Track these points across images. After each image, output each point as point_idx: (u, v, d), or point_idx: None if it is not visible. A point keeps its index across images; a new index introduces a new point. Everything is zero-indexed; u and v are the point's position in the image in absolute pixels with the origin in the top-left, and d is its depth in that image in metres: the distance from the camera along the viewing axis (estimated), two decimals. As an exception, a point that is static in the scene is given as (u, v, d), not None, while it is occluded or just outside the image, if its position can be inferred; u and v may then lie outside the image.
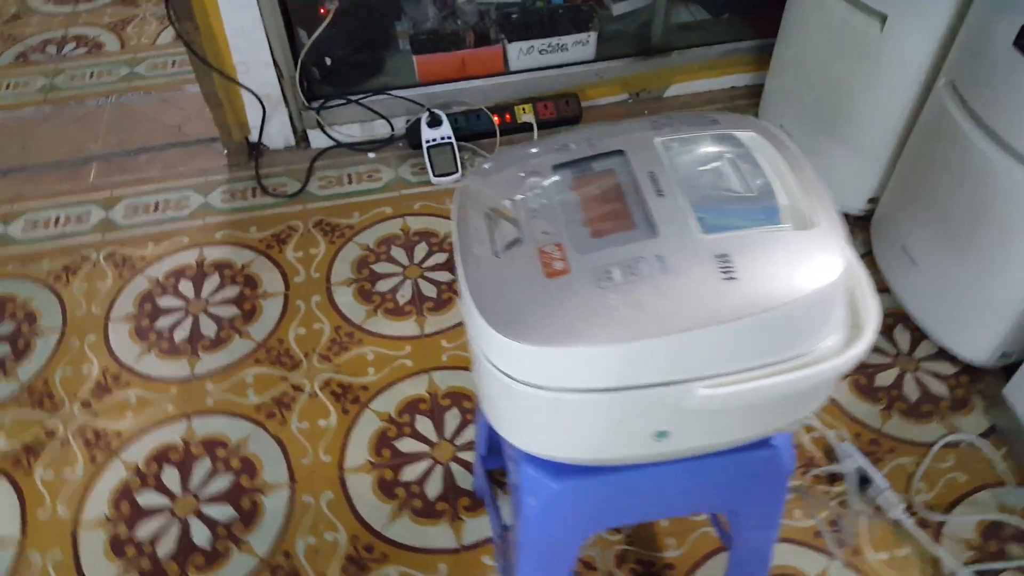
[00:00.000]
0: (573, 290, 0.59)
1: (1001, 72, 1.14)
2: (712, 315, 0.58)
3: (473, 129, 1.77)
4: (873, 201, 1.57)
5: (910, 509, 1.20)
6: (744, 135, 0.70)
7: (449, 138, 1.71)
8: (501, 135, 1.78)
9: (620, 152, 0.68)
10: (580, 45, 1.78)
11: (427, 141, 1.70)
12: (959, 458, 1.27)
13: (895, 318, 1.46)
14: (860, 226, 1.59)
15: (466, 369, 1.40)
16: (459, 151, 1.71)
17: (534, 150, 0.72)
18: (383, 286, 1.53)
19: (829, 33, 1.47)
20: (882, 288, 1.48)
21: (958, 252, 1.29)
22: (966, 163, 1.24)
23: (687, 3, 1.91)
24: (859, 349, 0.64)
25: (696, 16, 1.91)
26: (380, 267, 1.57)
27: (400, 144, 1.80)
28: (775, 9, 1.62)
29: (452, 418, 1.33)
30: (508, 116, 1.78)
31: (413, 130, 1.74)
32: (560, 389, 0.61)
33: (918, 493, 1.23)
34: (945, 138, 1.28)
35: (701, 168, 0.66)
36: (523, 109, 1.79)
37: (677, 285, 0.59)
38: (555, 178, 0.68)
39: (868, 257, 1.54)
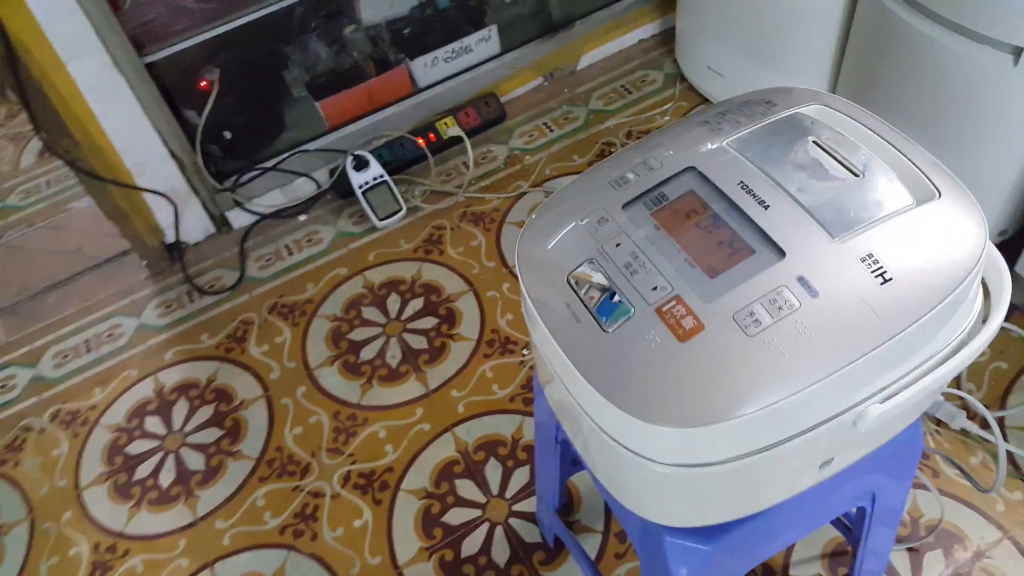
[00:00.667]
0: (719, 348, 0.50)
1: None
2: (886, 327, 0.50)
3: (402, 159, 1.64)
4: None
5: (968, 414, 1.18)
6: (811, 110, 0.62)
7: (382, 176, 1.58)
8: (433, 155, 1.66)
9: (691, 168, 0.59)
10: (483, 42, 1.67)
11: (360, 186, 1.57)
12: (994, 347, 1.26)
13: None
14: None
15: (489, 413, 1.29)
16: (396, 185, 1.59)
17: (585, 191, 0.62)
18: (368, 353, 1.40)
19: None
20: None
21: (931, 144, 1.26)
22: (919, 56, 1.20)
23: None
24: (1002, 314, 0.57)
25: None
26: (357, 334, 1.43)
27: (329, 197, 1.66)
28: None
29: (493, 471, 1.22)
30: (432, 135, 1.66)
31: (341, 179, 1.60)
32: (729, 460, 0.52)
33: (970, 394, 1.20)
34: (889, 37, 1.24)
35: (792, 162, 0.58)
36: (446, 123, 1.67)
37: (835, 305, 0.50)
38: (630, 219, 0.58)
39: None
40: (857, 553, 0.88)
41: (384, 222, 1.57)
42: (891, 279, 0.51)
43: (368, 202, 1.57)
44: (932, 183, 0.55)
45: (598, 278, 0.55)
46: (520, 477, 1.21)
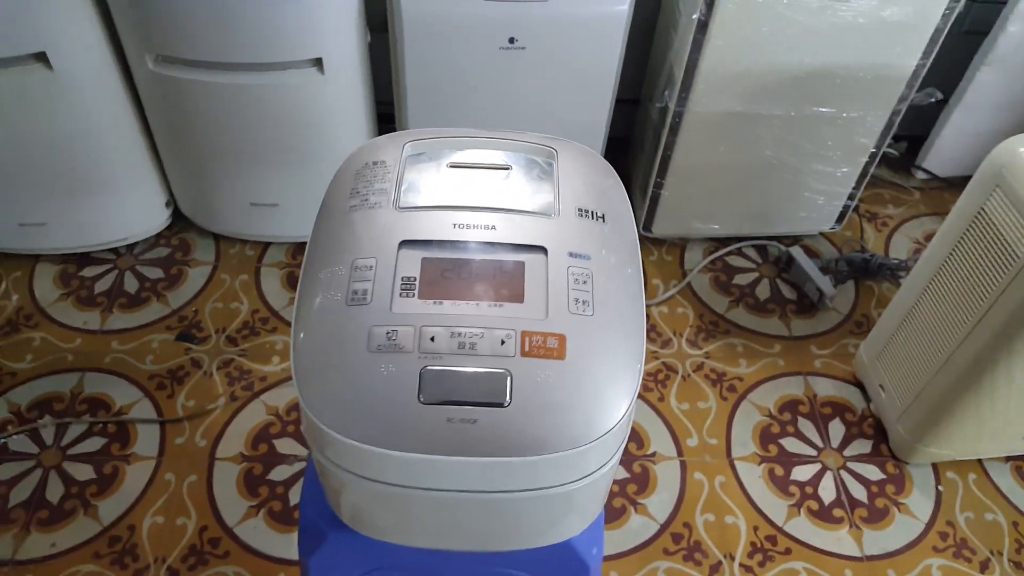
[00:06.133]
0: (590, 342, 0.55)
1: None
2: (629, 239, 0.62)
3: None
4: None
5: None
6: (408, 149, 0.66)
7: None
8: None
9: (404, 242, 0.58)
10: None
11: None
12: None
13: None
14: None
15: None
16: None
17: (334, 331, 0.55)
18: None
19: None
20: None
21: (284, 159, 1.38)
22: (231, 102, 1.27)
23: None
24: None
25: None
26: None
27: None
28: None
29: None
30: None
31: None
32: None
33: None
34: (189, 101, 1.28)
35: (461, 188, 0.62)
36: None
37: (601, 254, 0.60)
38: (408, 314, 0.55)
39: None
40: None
41: None
42: (602, 215, 0.62)
43: None
44: (544, 145, 0.67)
45: (451, 379, 0.53)
46: None
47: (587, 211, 0.62)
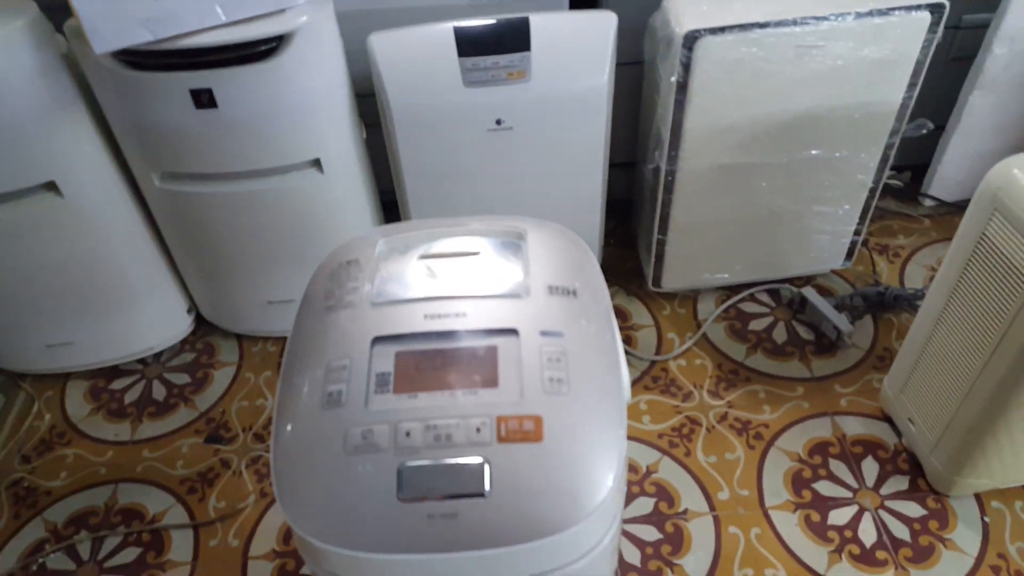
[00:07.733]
0: (566, 421, 0.56)
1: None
2: (605, 311, 0.63)
3: None
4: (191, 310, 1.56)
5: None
6: (380, 246, 0.68)
7: None
8: None
9: (376, 339, 0.60)
10: None
11: None
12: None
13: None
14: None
15: None
16: None
17: (312, 433, 0.56)
18: None
19: None
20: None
21: (290, 255, 1.41)
22: (244, 208, 1.33)
23: None
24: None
25: None
26: None
27: None
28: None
29: None
30: None
31: None
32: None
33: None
34: (204, 211, 1.33)
35: (431, 278, 0.64)
36: None
37: (574, 329, 0.61)
38: (386, 409, 0.56)
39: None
40: None
41: None
42: (573, 290, 0.64)
43: None
44: (512, 227, 0.69)
45: (429, 474, 0.53)
46: None
47: (558, 287, 0.63)
